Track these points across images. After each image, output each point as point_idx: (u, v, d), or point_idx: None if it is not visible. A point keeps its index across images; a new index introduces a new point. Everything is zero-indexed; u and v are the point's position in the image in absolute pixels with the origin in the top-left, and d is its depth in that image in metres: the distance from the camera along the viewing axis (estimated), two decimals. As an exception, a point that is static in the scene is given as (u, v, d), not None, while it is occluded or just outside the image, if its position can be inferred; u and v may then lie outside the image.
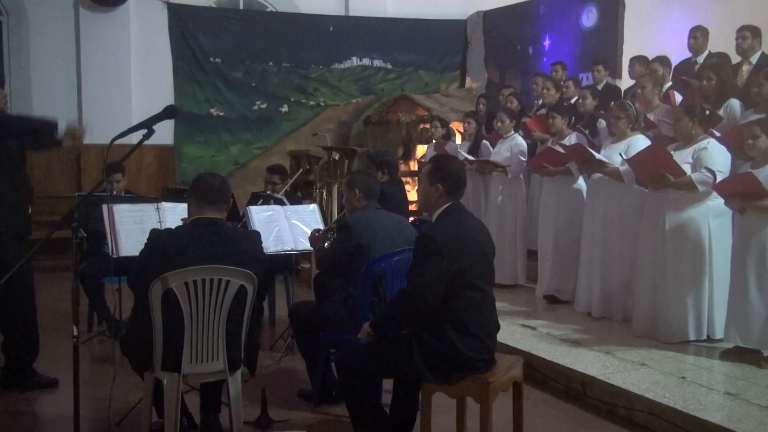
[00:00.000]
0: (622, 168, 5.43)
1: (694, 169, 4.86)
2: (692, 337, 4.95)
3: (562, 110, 6.60)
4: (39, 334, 4.60)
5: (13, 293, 4.32)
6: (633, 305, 5.43)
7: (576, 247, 6.13)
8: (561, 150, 6.13)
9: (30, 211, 4.83)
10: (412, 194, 9.54)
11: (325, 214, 7.30)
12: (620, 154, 5.36)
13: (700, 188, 4.82)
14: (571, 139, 6.22)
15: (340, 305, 4.08)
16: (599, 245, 5.73)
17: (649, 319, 5.16)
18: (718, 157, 4.82)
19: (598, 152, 5.71)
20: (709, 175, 4.76)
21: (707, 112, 5.08)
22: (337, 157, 8.94)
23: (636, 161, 5.15)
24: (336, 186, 8.83)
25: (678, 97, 6.32)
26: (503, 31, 10.70)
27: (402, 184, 6.27)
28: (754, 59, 6.16)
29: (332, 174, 8.89)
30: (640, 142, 5.47)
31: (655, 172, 4.97)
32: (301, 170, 8.55)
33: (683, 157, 4.95)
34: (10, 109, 9.43)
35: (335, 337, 4.06)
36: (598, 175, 5.72)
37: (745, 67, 6.19)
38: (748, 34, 6.16)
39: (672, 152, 5.02)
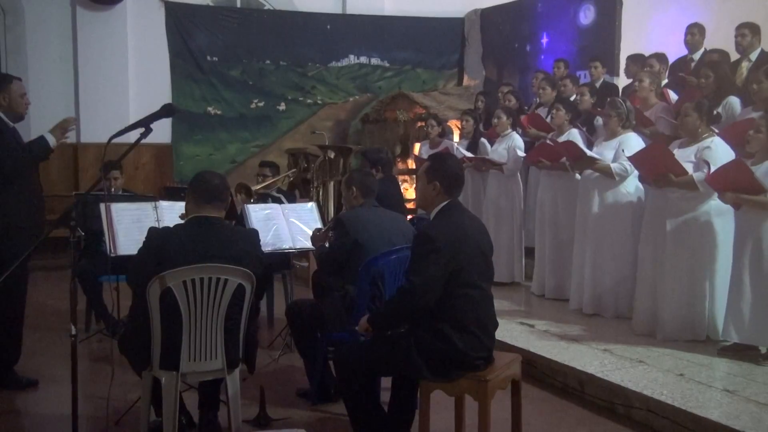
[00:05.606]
0: (613, 165, 5.44)
1: (697, 168, 4.84)
2: (693, 337, 4.95)
3: (567, 104, 6.53)
4: (22, 339, 4.49)
5: (5, 295, 4.21)
6: (625, 303, 5.44)
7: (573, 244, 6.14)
8: (553, 144, 6.13)
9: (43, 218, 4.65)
10: (411, 192, 9.55)
11: (322, 212, 7.30)
12: (622, 151, 5.37)
13: (702, 188, 4.80)
14: (571, 134, 6.21)
15: (338, 303, 4.08)
16: (590, 242, 5.73)
17: (650, 317, 5.15)
18: (721, 154, 4.79)
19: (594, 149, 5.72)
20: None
21: (715, 112, 5.07)
22: (332, 155, 8.95)
23: (638, 159, 5.14)
24: (332, 183, 8.85)
25: (673, 96, 6.31)
26: (501, 29, 10.70)
27: (397, 182, 6.26)
28: (753, 56, 6.17)
29: (327, 172, 8.90)
30: (631, 140, 5.49)
31: (658, 171, 4.97)
32: (293, 170, 8.57)
33: (686, 155, 4.93)
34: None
35: (333, 335, 4.05)
36: (589, 171, 5.73)
37: (744, 65, 6.19)
38: (747, 31, 6.16)
39: (675, 150, 5.01)
